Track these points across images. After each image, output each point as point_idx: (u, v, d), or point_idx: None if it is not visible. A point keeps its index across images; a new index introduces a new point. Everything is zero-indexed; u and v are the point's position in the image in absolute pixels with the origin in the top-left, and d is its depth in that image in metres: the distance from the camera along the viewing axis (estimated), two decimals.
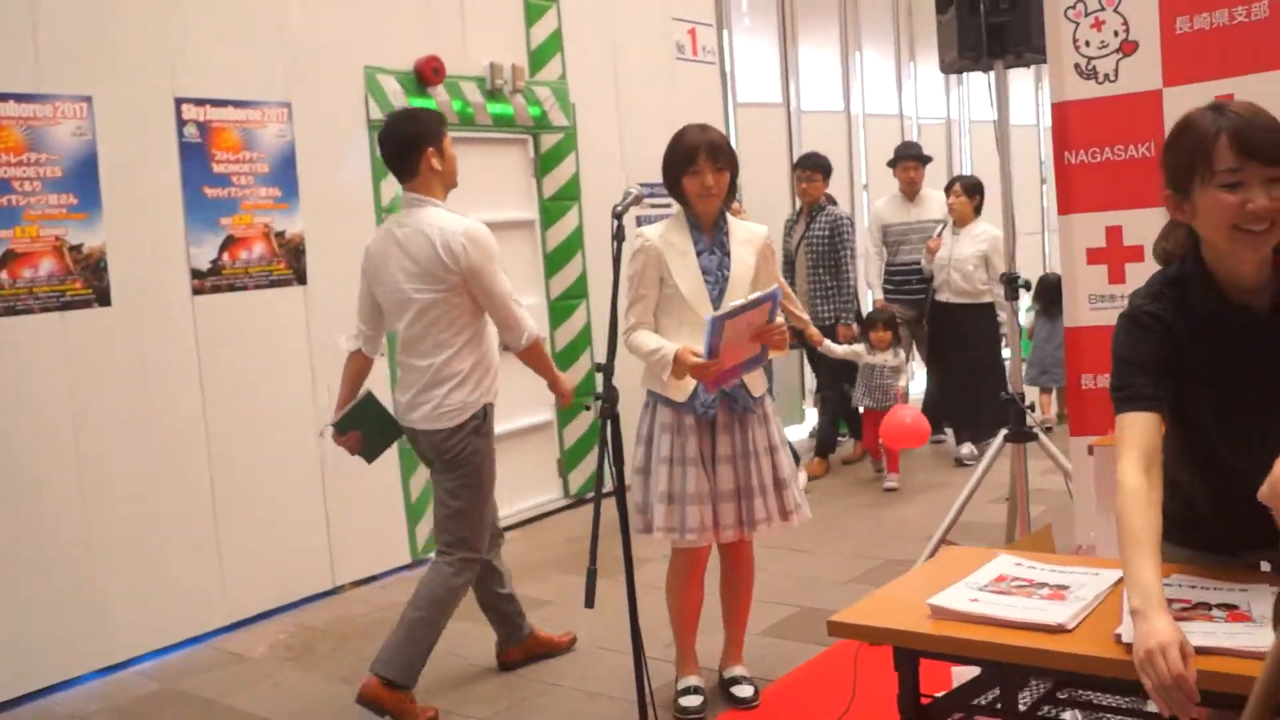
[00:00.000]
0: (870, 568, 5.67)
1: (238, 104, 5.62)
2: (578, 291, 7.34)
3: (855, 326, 7.68)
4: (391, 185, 6.15)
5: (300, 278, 5.85)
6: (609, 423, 3.18)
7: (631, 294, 3.97)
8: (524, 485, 6.95)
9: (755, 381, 3.99)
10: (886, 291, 8.30)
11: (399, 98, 6.28)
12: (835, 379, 7.93)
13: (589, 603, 3.05)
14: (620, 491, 3.24)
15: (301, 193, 5.85)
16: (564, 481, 7.28)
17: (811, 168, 7.83)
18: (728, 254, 3.97)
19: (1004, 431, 4.85)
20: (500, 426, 6.78)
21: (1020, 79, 13.00)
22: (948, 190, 8.07)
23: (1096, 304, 4.20)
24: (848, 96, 10.27)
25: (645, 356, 3.93)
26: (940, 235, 8.01)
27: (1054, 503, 5.56)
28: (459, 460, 4.29)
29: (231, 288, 5.57)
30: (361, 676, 4.27)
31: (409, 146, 4.34)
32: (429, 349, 4.26)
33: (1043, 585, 2.48)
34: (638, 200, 3.56)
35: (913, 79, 11.26)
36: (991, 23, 4.59)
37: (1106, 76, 4.10)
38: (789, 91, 9.61)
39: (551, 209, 7.23)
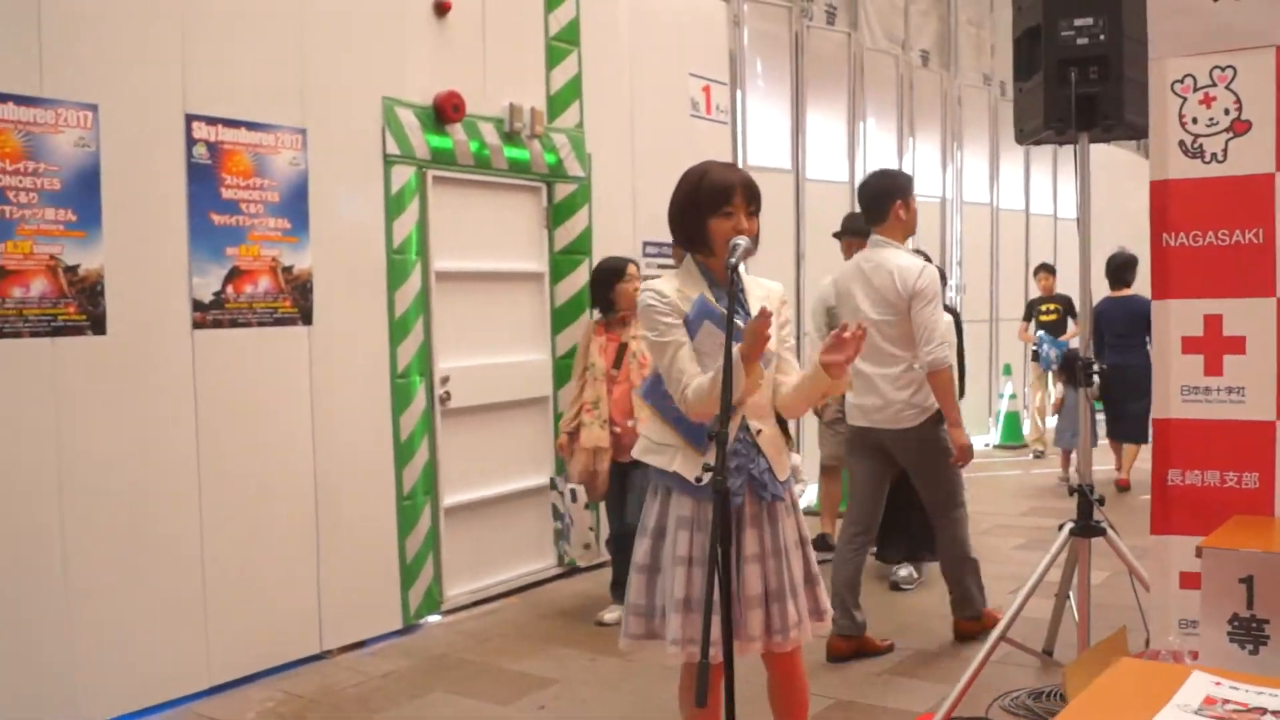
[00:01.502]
0: (901, 659, 5.36)
1: (251, 126, 5.26)
2: None
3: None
4: (405, 225, 5.87)
5: (306, 317, 5.46)
6: (721, 498, 2.81)
7: (669, 354, 3.30)
8: (517, 553, 6.56)
9: (781, 462, 3.42)
10: None
11: (416, 132, 5.96)
12: None
13: (700, 700, 2.65)
14: (725, 574, 2.86)
15: (312, 226, 5.48)
16: (558, 550, 6.87)
17: None
18: (748, 312, 3.35)
19: (1068, 525, 4.56)
20: (494, 490, 6.51)
21: (1010, 161, 12.99)
22: None
23: (1189, 396, 3.92)
24: (852, 168, 10.11)
25: (713, 388, 3.12)
26: None
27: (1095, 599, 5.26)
28: (928, 446, 5.30)
29: (234, 323, 5.17)
30: None
31: (883, 197, 5.38)
32: (885, 360, 5.23)
33: (1263, 710, 2.17)
34: (748, 253, 3.24)
35: (911, 154, 11.14)
36: (1081, 93, 4.34)
37: (1214, 156, 3.85)
38: (798, 158, 9.41)
39: (562, 263, 6.91)
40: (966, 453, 5.24)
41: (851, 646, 5.37)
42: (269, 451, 5.30)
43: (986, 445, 12.21)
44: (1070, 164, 14.01)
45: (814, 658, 5.26)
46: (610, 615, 5.92)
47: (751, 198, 3.37)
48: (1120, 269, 9.06)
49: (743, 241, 3.23)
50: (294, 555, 5.40)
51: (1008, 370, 12.65)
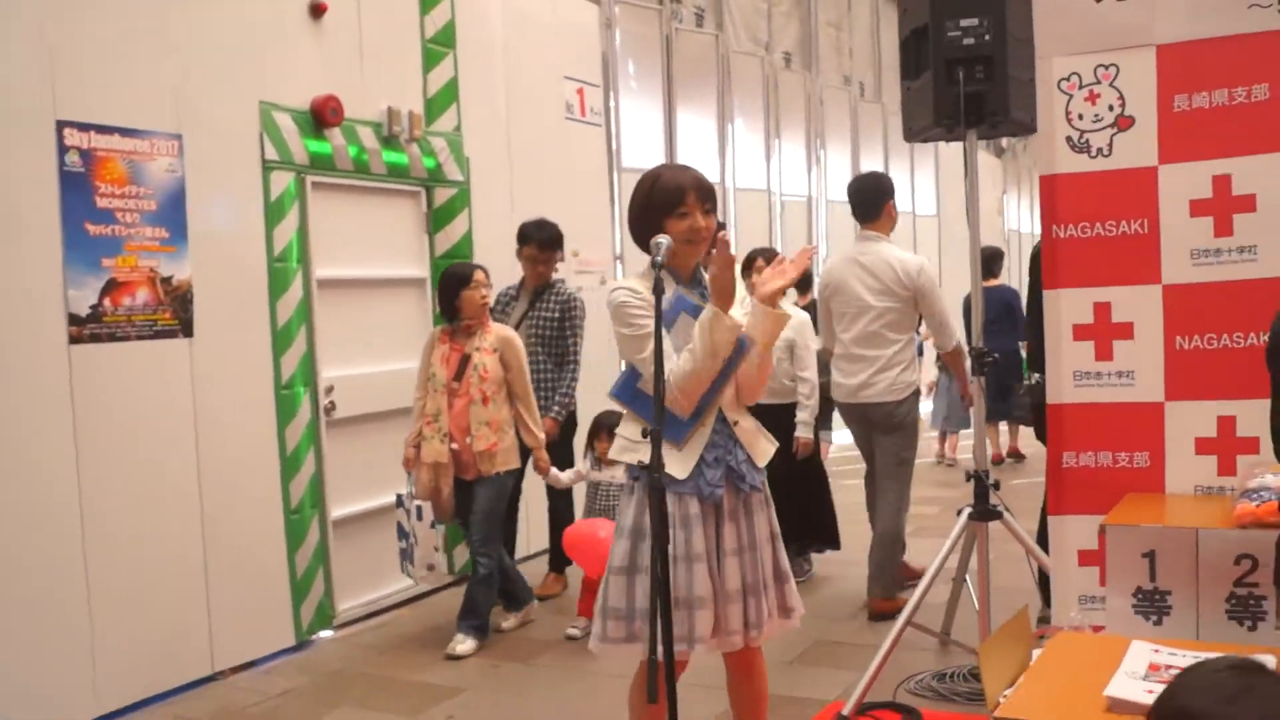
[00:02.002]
0: (804, 649, 5.45)
1: (125, 132, 5.07)
2: None
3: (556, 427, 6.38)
4: (286, 232, 5.75)
5: (186, 329, 5.29)
6: (659, 496, 2.82)
7: (648, 346, 3.27)
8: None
9: (759, 451, 3.45)
10: None
11: (294, 137, 5.84)
12: (564, 491, 6.62)
13: (652, 697, 2.66)
14: (664, 571, 2.86)
15: (190, 235, 5.32)
16: (449, 559, 6.76)
17: (550, 244, 6.42)
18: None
19: (966, 510, 4.68)
20: (381, 500, 6.39)
21: (870, 159, 13.26)
22: (747, 266, 6.63)
23: (1081, 381, 4.06)
24: (723, 168, 10.22)
25: (701, 356, 3.22)
26: None
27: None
28: (906, 423, 5.95)
29: (113, 337, 4.99)
30: None
31: (879, 196, 6.05)
32: (882, 343, 5.84)
33: None
34: (670, 250, 3.25)
35: (778, 155, 11.31)
36: (969, 91, 4.45)
37: (1100, 151, 4.00)
38: (671, 159, 9.49)
39: (443, 268, 6.77)
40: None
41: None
42: (152, 468, 5.12)
43: None
44: (926, 162, 14.44)
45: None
46: (463, 647, 5.57)
47: (705, 196, 3.40)
48: (988, 261, 9.50)
49: (664, 240, 3.25)
50: (181, 574, 5.23)
51: None
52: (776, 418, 5.90)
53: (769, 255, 6.81)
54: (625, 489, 3.48)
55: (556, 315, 6.42)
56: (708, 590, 3.30)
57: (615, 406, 3.66)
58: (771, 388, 5.98)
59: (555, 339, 6.39)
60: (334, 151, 6.07)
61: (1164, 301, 3.91)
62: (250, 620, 5.51)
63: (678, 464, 3.30)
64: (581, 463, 6.19)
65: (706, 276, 3.41)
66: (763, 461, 3.46)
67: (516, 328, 6.24)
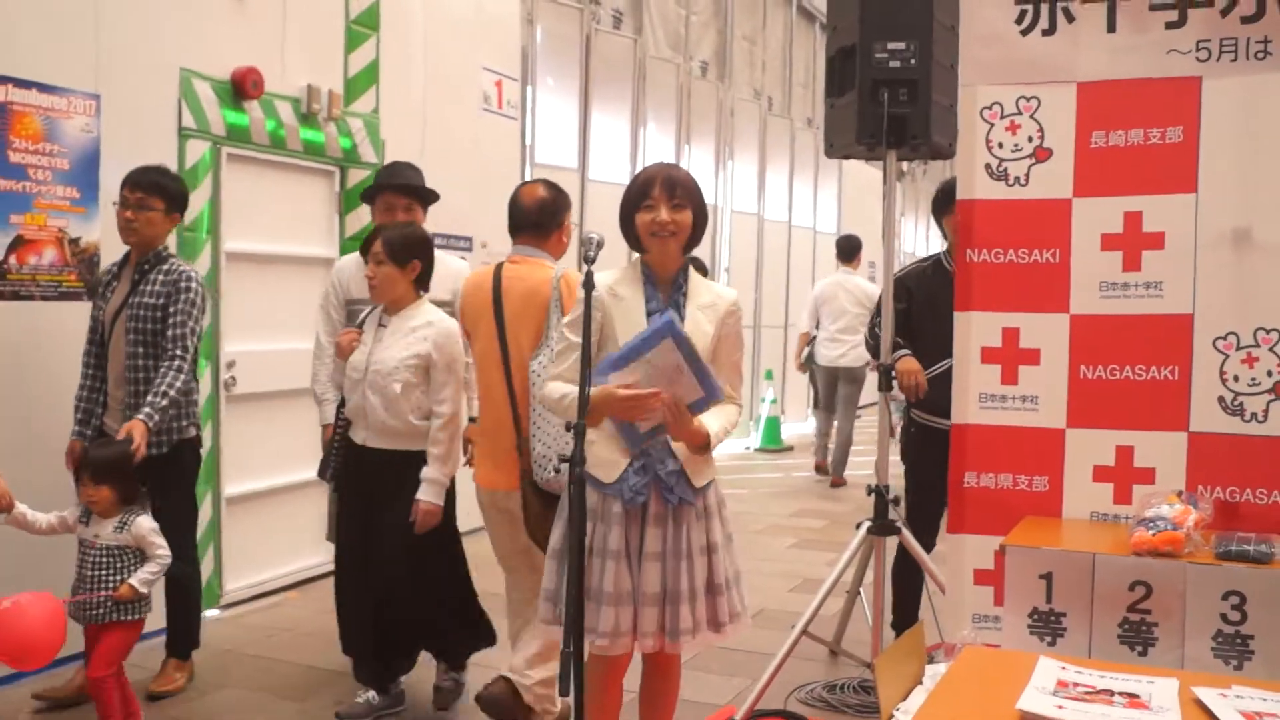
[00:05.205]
0: (698, 652, 5.46)
1: (43, 88, 4.97)
2: None
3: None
4: (198, 202, 5.68)
5: (92, 292, 5.16)
6: (578, 489, 2.86)
7: (563, 342, 3.42)
8: (296, 546, 6.38)
9: (697, 467, 3.44)
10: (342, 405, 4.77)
11: (213, 106, 5.75)
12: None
13: (564, 690, 2.68)
14: (580, 561, 2.89)
15: (102, 198, 5.20)
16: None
17: (146, 188, 4.69)
18: (682, 317, 3.39)
19: (865, 524, 4.76)
20: (275, 480, 6.30)
21: (776, 173, 13.40)
22: (365, 249, 4.68)
23: (986, 403, 4.15)
24: (634, 170, 10.27)
25: (554, 404, 3.38)
26: (362, 324, 4.67)
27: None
28: (861, 379, 10.31)
29: (16, 295, 4.88)
30: None
31: (855, 250, 10.49)
32: (852, 334, 9.96)
33: (1110, 693, 2.36)
34: (601, 246, 3.27)
35: (688, 161, 11.39)
36: (893, 112, 4.55)
37: (1017, 180, 4.10)
38: (583, 157, 9.51)
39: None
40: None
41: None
42: (50, 433, 4.99)
43: (747, 448, 12.57)
44: (830, 180, 14.63)
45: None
46: None
47: (672, 189, 3.39)
48: None
49: (595, 235, 3.28)
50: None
51: (769, 375, 13.06)
52: (396, 470, 4.46)
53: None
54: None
55: (161, 302, 4.71)
56: (616, 588, 3.32)
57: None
58: (392, 426, 4.46)
59: (162, 334, 4.72)
60: (251, 124, 5.99)
61: (1071, 330, 4.01)
62: None
63: (604, 468, 3.34)
64: (71, 509, 4.30)
65: (688, 285, 3.47)
66: (700, 480, 3.45)
67: (115, 317, 4.75)
